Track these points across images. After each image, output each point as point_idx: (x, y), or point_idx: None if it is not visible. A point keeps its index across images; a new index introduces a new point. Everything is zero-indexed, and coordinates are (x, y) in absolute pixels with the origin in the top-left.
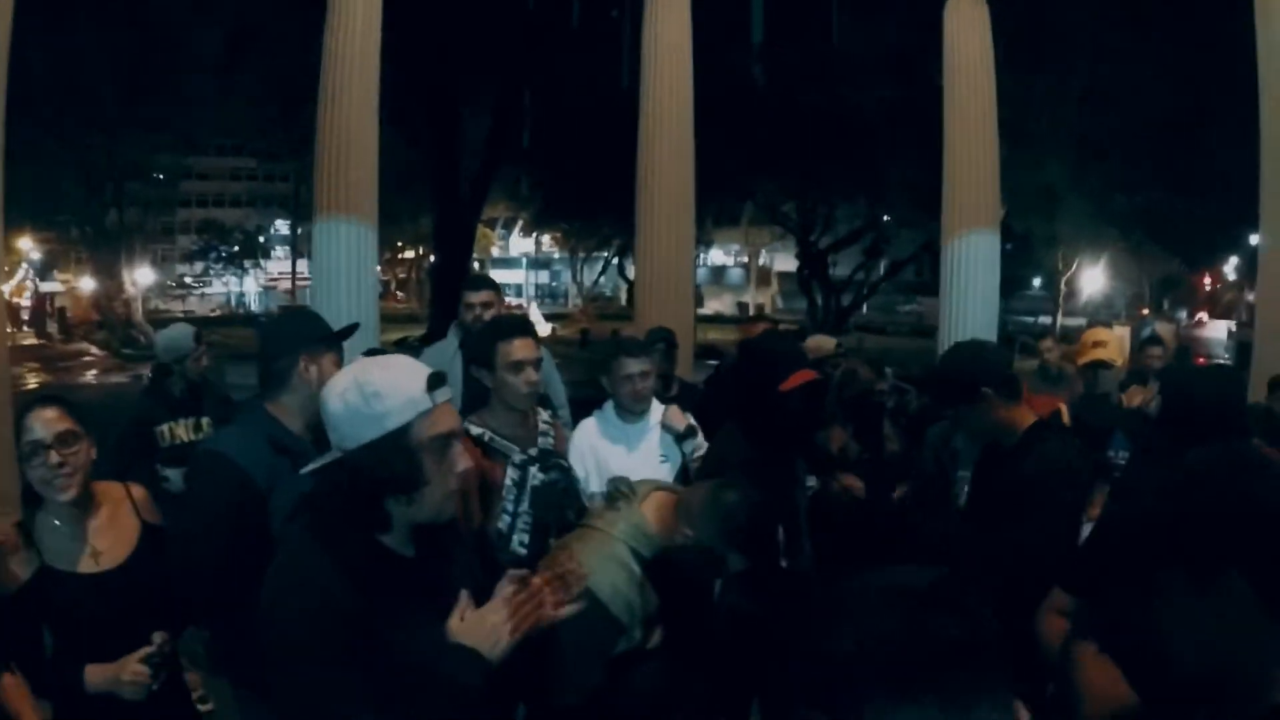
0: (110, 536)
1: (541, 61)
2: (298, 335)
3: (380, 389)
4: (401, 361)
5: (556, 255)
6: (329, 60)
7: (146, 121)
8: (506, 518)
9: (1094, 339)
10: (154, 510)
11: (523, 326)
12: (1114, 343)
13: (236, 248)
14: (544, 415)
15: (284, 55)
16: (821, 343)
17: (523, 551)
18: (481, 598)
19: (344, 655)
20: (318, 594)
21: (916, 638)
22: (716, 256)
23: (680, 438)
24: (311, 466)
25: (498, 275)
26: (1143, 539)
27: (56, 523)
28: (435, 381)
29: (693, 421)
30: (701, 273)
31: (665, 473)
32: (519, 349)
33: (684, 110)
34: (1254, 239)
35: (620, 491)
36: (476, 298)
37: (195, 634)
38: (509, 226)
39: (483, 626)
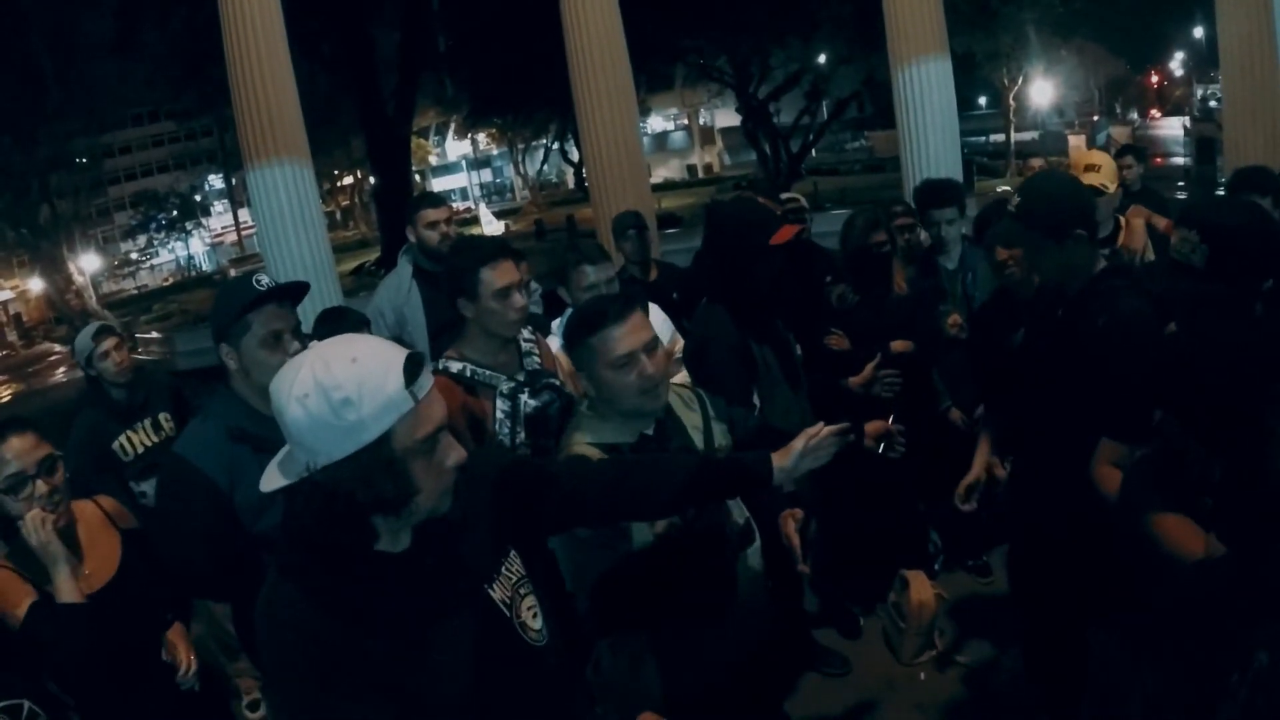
0: (96, 556)
1: None
2: (216, 320)
3: (350, 394)
4: (370, 347)
5: (495, 151)
6: (228, 7)
7: (54, 111)
8: None
9: (1086, 161)
10: (128, 516)
11: (503, 248)
12: (1107, 166)
13: (175, 212)
14: (524, 333)
15: (176, 14)
16: None
17: None
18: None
19: (341, 685)
20: (304, 636)
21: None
22: (656, 123)
23: None
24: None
25: (440, 182)
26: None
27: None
28: (414, 369)
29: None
30: (644, 141)
31: None
32: (505, 273)
33: None
34: (1198, 32)
35: None
36: (437, 214)
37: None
38: (442, 132)
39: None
